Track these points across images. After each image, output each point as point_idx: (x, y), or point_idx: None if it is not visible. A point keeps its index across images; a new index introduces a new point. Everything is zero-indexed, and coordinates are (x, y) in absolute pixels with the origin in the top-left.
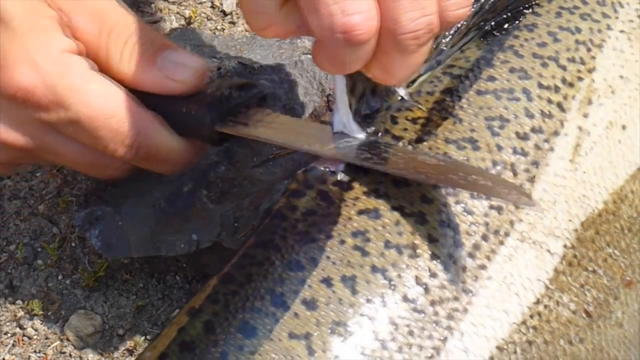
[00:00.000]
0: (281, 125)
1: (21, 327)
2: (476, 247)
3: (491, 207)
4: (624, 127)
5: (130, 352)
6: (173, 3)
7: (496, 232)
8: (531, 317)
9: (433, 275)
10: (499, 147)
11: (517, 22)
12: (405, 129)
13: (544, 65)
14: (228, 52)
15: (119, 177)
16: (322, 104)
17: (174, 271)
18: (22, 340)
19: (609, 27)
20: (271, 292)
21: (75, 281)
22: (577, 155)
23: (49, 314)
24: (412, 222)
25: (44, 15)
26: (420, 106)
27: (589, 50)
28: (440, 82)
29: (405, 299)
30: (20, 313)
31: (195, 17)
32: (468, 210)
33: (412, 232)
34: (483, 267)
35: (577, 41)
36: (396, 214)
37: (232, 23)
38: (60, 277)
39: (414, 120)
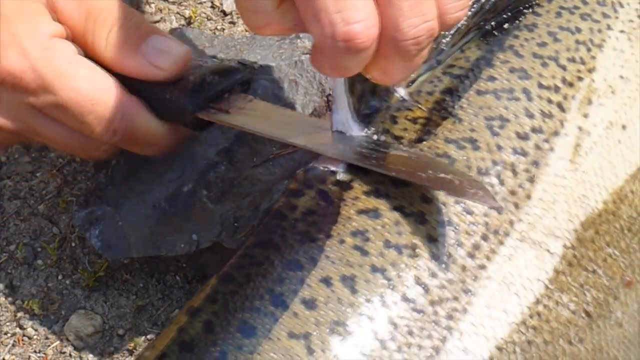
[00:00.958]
0: (263, 113)
1: (21, 327)
2: (476, 246)
3: (491, 206)
4: (624, 127)
5: (130, 352)
6: (173, 3)
7: (496, 232)
8: (531, 317)
9: (433, 275)
10: (499, 147)
11: (517, 22)
12: (405, 129)
13: (544, 65)
14: (228, 52)
15: (105, 158)
16: (322, 104)
17: (174, 271)
18: (22, 340)
19: (609, 27)
20: (270, 292)
21: (75, 281)
22: (577, 155)
23: (49, 314)
24: (412, 222)
25: (32, 0)
26: (420, 106)
27: (589, 50)
28: (440, 82)
29: (404, 298)
30: (20, 313)
31: (195, 17)
32: (468, 210)
33: (412, 232)
34: (483, 267)
35: (577, 41)
36: (396, 214)
37: (232, 23)
38: (60, 277)
39: (414, 120)
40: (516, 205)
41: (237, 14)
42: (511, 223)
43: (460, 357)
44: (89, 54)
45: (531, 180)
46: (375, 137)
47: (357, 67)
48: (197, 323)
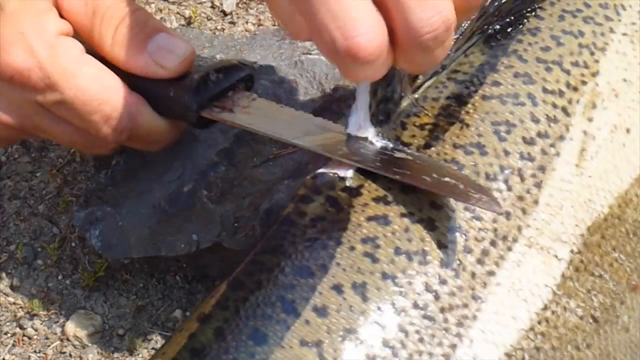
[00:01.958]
0: (267, 112)
1: (21, 327)
2: (485, 253)
3: (495, 212)
4: (627, 131)
5: (130, 352)
6: (173, 3)
7: (504, 238)
8: (539, 323)
9: (443, 282)
10: (506, 152)
11: (520, 26)
12: (414, 135)
13: (548, 69)
14: (228, 52)
15: (108, 154)
16: (322, 104)
17: (174, 271)
18: (22, 340)
19: (611, 30)
20: (282, 299)
21: (75, 281)
22: (582, 160)
23: (49, 314)
24: (422, 229)
25: None
26: (426, 112)
27: (592, 53)
28: (445, 88)
29: (415, 305)
30: (20, 313)
31: (195, 17)
32: (476, 216)
33: (422, 238)
34: (492, 273)
35: (580, 45)
36: (405, 220)
37: (232, 23)
38: (60, 277)
39: (421, 126)
40: (524, 211)
41: (237, 14)
42: (519, 229)
43: None
44: (95, 51)
45: (538, 185)
46: (386, 142)
47: (375, 72)
48: (208, 330)
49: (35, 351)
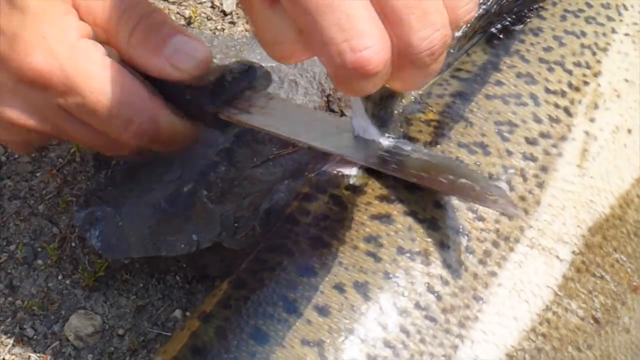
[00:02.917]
0: (284, 112)
1: (21, 327)
2: (487, 253)
3: (502, 213)
4: (629, 131)
5: (131, 352)
6: (173, 3)
7: (507, 239)
8: (540, 324)
9: (445, 282)
10: (509, 153)
11: (522, 25)
12: (420, 131)
13: (550, 69)
14: (228, 52)
15: (128, 155)
16: (322, 104)
17: (174, 271)
18: (22, 340)
19: (613, 31)
20: (283, 298)
21: (75, 281)
22: (584, 160)
23: (49, 314)
24: (425, 228)
25: (59, 0)
26: (431, 108)
27: (594, 54)
28: (449, 85)
29: (417, 306)
30: (20, 313)
31: (195, 17)
32: (479, 216)
33: (425, 238)
34: (494, 273)
35: (582, 45)
36: (409, 219)
37: (232, 23)
38: (60, 277)
39: (427, 123)
40: (526, 212)
41: (237, 14)
42: (521, 229)
43: None
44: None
45: (540, 186)
46: (395, 140)
47: (374, 87)
48: (209, 329)
49: (35, 351)
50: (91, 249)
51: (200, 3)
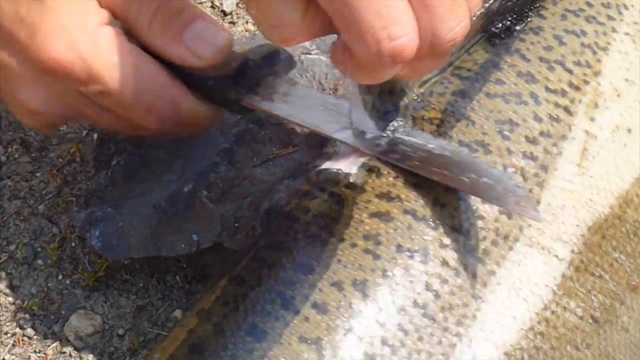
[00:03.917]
0: (306, 101)
1: (21, 327)
2: (486, 252)
3: (501, 212)
4: (629, 131)
5: (131, 352)
6: None
7: (506, 238)
8: (539, 323)
9: (443, 281)
10: (510, 151)
11: (523, 25)
12: (422, 129)
13: (551, 68)
14: None
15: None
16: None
17: (174, 271)
18: (22, 340)
19: (614, 30)
20: (281, 295)
21: (75, 281)
22: (584, 160)
23: (49, 314)
24: (424, 227)
25: None
26: (434, 106)
27: (594, 53)
28: (450, 84)
29: (415, 304)
30: (20, 313)
31: None
32: (479, 215)
33: (424, 236)
34: (492, 272)
35: (582, 44)
36: (408, 218)
37: (232, 23)
38: (60, 277)
39: (429, 121)
40: None
41: (237, 14)
42: (520, 229)
43: None
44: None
45: (540, 185)
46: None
47: (393, 74)
48: (207, 326)
49: (35, 351)
50: (91, 249)
51: (200, 3)
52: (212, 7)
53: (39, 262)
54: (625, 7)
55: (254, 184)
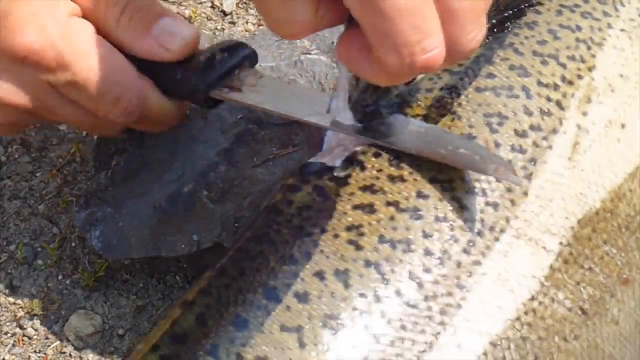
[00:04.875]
0: (275, 90)
1: (21, 327)
2: (471, 243)
3: (487, 203)
4: (623, 126)
5: (131, 352)
6: (173, 3)
7: (492, 229)
8: (525, 313)
9: (427, 270)
10: (497, 144)
11: (517, 19)
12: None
13: (544, 63)
14: None
15: (115, 135)
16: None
17: (174, 271)
18: (22, 340)
19: (609, 26)
20: (264, 285)
21: (75, 281)
22: (575, 153)
23: (49, 314)
24: (407, 218)
25: None
26: (419, 103)
27: (589, 48)
28: (439, 79)
29: (398, 293)
30: (20, 313)
31: (195, 17)
32: (463, 206)
33: (407, 227)
34: (477, 263)
35: (577, 39)
36: (391, 209)
37: (232, 23)
38: (60, 277)
39: (413, 117)
40: (512, 202)
41: (237, 14)
42: (507, 220)
43: (453, 352)
44: (100, 33)
45: (528, 177)
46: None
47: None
48: (190, 315)
49: (35, 351)
50: (91, 249)
51: (200, 3)
52: (212, 7)
53: (39, 262)
54: (622, 3)
55: (254, 184)
